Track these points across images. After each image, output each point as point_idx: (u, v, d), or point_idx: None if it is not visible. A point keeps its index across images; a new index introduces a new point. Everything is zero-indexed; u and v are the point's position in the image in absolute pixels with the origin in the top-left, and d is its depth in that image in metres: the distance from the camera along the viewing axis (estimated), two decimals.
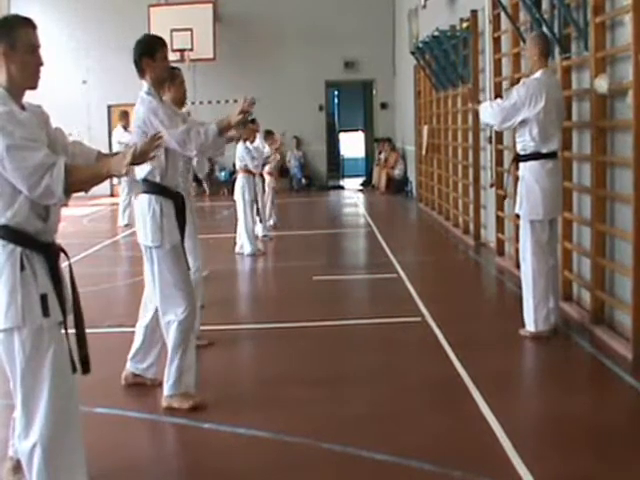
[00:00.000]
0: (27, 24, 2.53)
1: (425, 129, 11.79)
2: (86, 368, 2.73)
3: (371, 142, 17.73)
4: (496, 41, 7.50)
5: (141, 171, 3.72)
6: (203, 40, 14.53)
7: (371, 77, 16.73)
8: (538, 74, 4.71)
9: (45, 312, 2.52)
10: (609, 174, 4.89)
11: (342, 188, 16.97)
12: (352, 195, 15.51)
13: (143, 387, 4.05)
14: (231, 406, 3.92)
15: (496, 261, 7.38)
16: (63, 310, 2.61)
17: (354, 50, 16.10)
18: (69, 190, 2.45)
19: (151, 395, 3.93)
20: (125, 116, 10.88)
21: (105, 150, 3.36)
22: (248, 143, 8.48)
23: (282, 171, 14.41)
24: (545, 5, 5.78)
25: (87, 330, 5.41)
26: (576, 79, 5.44)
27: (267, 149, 9.30)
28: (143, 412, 3.76)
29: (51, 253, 2.62)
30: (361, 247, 9.42)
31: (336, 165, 19.01)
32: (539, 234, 4.76)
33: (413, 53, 11.45)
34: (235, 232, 8.51)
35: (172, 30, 14.30)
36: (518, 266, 5.42)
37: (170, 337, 3.75)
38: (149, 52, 3.67)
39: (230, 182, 11.88)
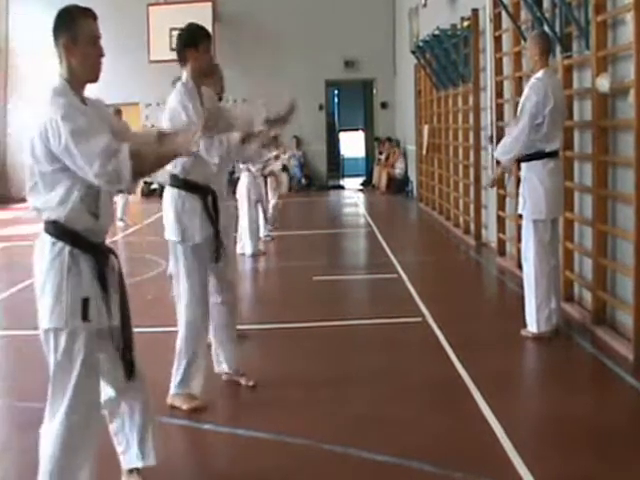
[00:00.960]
0: (88, 15, 2.49)
1: (426, 128, 11.77)
2: (129, 374, 2.66)
3: (371, 142, 17.71)
4: (497, 40, 7.48)
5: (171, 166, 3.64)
6: None
7: (371, 76, 16.71)
8: (540, 74, 4.69)
9: (85, 316, 2.46)
10: (610, 174, 4.87)
11: (342, 188, 16.95)
12: (352, 195, 15.50)
13: None
14: (230, 407, 3.92)
15: (497, 261, 7.36)
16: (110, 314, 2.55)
17: (354, 49, 16.08)
18: (137, 174, 2.38)
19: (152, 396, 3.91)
20: (118, 114, 10.97)
21: None
22: None
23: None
24: (546, 4, 5.76)
25: None
26: (577, 78, 5.43)
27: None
28: None
29: (100, 254, 2.54)
30: (361, 247, 9.41)
31: (336, 165, 18.98)
32: (542, 234, 4.75)
33: (414, 52, 11.43)
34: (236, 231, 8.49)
35: (171, 29, 14.26)
36: (519, 266, 5.41)
37: (180, 336, 3.73)
38: (193, 42, 3.66)
39: (230, 182, 11.62)
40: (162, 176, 3.79)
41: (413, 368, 4.41)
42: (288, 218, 11.50)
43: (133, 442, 2.78)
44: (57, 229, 2.47)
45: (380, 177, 15.54)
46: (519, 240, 5.46)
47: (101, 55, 2.52)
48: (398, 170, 15.14)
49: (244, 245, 8.29)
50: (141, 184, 11.42)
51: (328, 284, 6.75)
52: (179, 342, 3.74)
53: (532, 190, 4.72)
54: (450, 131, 10.11)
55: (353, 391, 4.02)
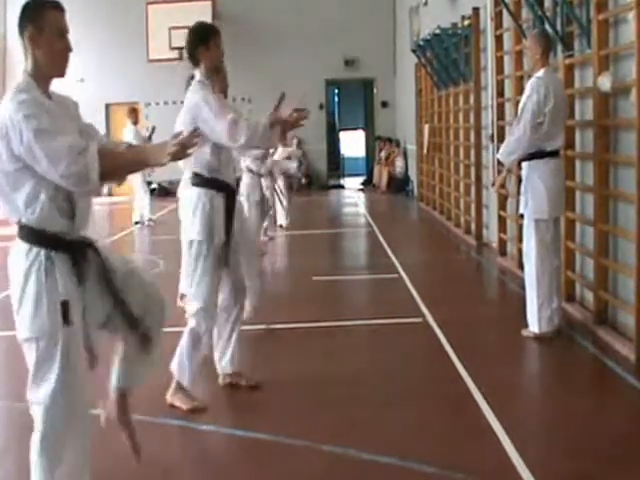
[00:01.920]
0: (56, 7, 2.39)
1: (426, 128, 11.75)
2: (144, 346, 2.63)
3: (372, 141, 17.68)
4: (498, 39, 7.46)
5: (190, 164, 3.64)
6: None
7: (372, 75, 16.69)
8: (540, 73, 4.67)
9: (65, 320, 2.39)
10: (612, 173, 4.86)
11: (342, 187, 16.93)
12: (352, 194, 15.48)
13: (142, 389, 4.00)
14: (231, 408, 3.90)
15: (498, 261, 7.33)
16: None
17: (354, 48, 16.05)
18: (105, 176, 2.27)
19: (150, 397, 3.89)
20: (134, 112, 11.14)
21: None
22: None
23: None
24: (547, 2, 5.74)
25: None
26: (579, 77, 5.41)
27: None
28: (143, 414, 3.72)
29: (76, 251, 2.43)
30: (361, 247, 9.39)
31: (336, 164, 18.96)
32: (544, 234, 4.73)
33: (414, 51, 11.41)
34: None
35: (170, 28, 14.26)
36: (520, 266, 5.39)
37: (185, 334, 3.71)
38: (204, 41, 3.65)
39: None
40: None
41: (413, 369, 4.39)
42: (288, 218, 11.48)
43: None
44: (30, 233, 2.36)
45: (380, 176, 15.52)
46: (520, 240, 5.44)
47: (68, 49, 2.41)
48: (398, 169, 15.11)
49: None
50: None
51: (328, 284, 6.73)
52: (184, 342, 3.71)
53: (534, 189, 4.70)
54: (451, 130, 10.09)
55: (353, 392, 3.99)
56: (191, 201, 3.68)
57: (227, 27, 15.71)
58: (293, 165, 9.57)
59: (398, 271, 7.01)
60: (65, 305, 2.39)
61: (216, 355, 4.01)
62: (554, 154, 4.72)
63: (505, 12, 6.89)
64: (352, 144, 20.12)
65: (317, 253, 8.56)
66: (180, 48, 14.49)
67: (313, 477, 3.07)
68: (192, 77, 3.78)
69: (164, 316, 2.71)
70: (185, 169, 3.81)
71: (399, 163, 15.16)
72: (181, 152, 2.31)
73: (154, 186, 14.91)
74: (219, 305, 3.83)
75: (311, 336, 5.09)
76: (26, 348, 2.49)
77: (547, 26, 5.55)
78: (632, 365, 4.17)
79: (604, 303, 4.89)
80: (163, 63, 14.71)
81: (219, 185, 3.68)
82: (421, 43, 10.80)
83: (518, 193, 5.02)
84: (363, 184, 16.66)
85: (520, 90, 6.06)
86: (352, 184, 17.07)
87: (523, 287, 4.95)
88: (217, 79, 3.97)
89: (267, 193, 8.47)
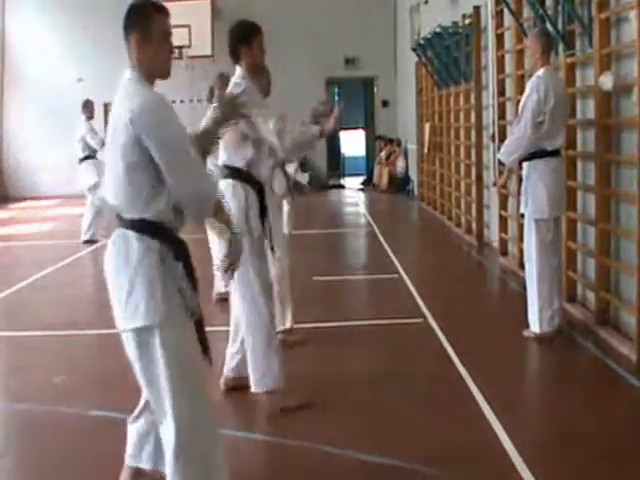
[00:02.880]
0: (162, 11, 2.46)
1: (427, 127, 11.72)
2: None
3: (372, 140, 17.64)
4: (499, 37, 7.44)
5: (227, 158, 3.63)
6: (201, 37, 14.43)
7: (372, 74, 16.65)
8: (540, 72, 4.66)
9: (187, 309, 2.42)
10: (614, 172, 4.84)
11: (343, 187, 16.87)
12: (353, 194, 15.45)
13: (139, 390, 3.99)
14: (230, 409, 3.87)
15: (499, 261, 7.31)
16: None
17: (355, 47, 16.01)
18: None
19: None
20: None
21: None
22: None
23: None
24: (549, 1, 5.71)
25: (84, 332, 5.35)
26: (580, 76, 5.39)
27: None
28: None
29: (183, 249, 2.49)
30: (362, 247, 9.36)
31: (336, 164, 18.91)
32: (544, 233, 4.71)
33: (415, 50, 11.38)
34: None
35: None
36: (522, 266, 5.37)
37: (254, 331, 3.64)
38: (246, 39, 3.65)
39: None
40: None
41: (414, 369, 4.36)
42: None
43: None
44: (146, 226, 2.40)
45: (381, 176, 15.47)
46: (521, 240, 5.42)
47: (172, 52, 2.50)
48: (399, 169, 15.07)
49: None
50: None
51: (328, 284, 6.70)
52: (250, 341, 3.66)
53: (534, 189, 4.68)
54: (451, 130, 10.06)
55: (353, 392, 3.98)
56: (227, 195, 3.60)
57: (226, 26, 15.67)
58: (305, 177, 9.36)
59: (398, 271, 6.98)
60: (182, 292, 2.42)
61: (229, 354, 3.97)
62: (554, 153, 4.70)
63: (506, 11, 6.87)
64: (352, 143, 20.06)
65: (317, 253, 8.52)
66: (179, 47, 14.47)
67: (312, 478, 3.05)
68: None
69: None
70: (220, 162, 3.76)
71: (400, 163, 15.12)
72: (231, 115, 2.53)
73: None
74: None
75: (311, 336, 5.06)
76: (141, 340, 2.44)
77: (548, 25, 5.52)
78: (634, 365, 4.16)
79: (605, 303, 4.88)
80: None
81: (254, 180, 3.65)
82: (422, 42, 10.77)
83: (519, 193, 4.99)
84: (363, 184, 16.61)
85: (521, 89, 6.03)
86: (352, 184, 17.03)
87: (524, 287, 4.93)
88: (259, 78, 3.97)
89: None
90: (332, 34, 15.75)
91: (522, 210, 4.84)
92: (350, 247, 9.36)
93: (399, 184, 14.78)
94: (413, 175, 14.14)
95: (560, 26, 5.45)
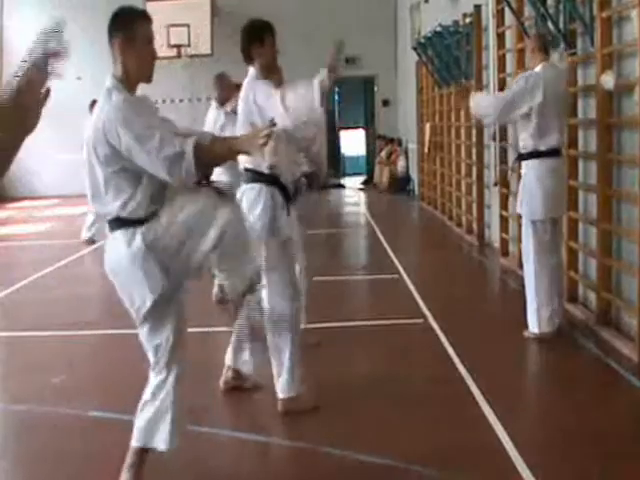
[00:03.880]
0: (145, 17, 2.61)
1: (427, 126, 11.69)
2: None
3: (372, 140, 17.61)
4: (500, 37, 7.41)
5: (249, 160, 3.58)
6: (200, 35, 14.41)
7: (372, 73, 16.62)
8: (538, 68, 4.65)
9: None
10: (615, 172, 4.82)
11: (343, 187, 16.83)
12: (353, 194, 15.43)
13: (139, 391, 3.97)
14: (230, 410, 3.85)
15: (500, 261, 7.29)
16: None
17: (355, 45, 15.93)
18: (202, 166, 2.50)
19: None
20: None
21: None
22: None
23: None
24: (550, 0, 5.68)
25: (82, 332, 5.31)
26: (582, 75, 5.36)
27: None
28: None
29: (159, 224, 2.63)
30: (362, 247, 9.34)
31: (336, 163, 18.88)
32: (541, 234, 4.69)
33: (415, 49, 11.36)
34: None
35: (169, 25, 14.16)
36: (522, 266, 5.34)
37: (280, 335, 3.62)
38: (258, 38, 3.61)
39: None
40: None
41: (414, 370, 4.35)
42: None
43: None
44: (127, 222, 2.58)
45: (381, 176, 15.44)
46: (521, 240, 5.39)
47: (154, 56, 2.63)
48: (399, 169, 15.05)
49: None
50: None
51: (328, 284, 6.66)
52: (279, 350, 3.63)
53: (529, 190, 4.67)
54: (452, 129, 10.03)
55: (353, 393, 3.96)
56: (252, 198, 3.58)
57: (226, 24, 15.67)
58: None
59: (399, 271, 6.96)
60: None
61: (231, 353, 3.94)
62: (551, 153, 4.66)
63: (507, 10, 6.84)
64: (352, 143, 20.04)
65: (317, 253, 8.47)
66: (179, 46, 14.44)
67: (312, 478, 3.04)
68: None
69: None
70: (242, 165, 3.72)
71: (400, 162, 15.09)
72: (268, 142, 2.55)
73: None
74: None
75: (310, 337, 5.03)
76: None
77: (549, 24, 5.50)
78: (635, 366, 4.14)
79: (607, 304, 4.85)
80: (161, 61, 14.66)
81: (279, 183, 3.61)
82: (422, 41, 10.74)
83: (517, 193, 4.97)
84: (363, 183, 16.59)
85: None
86: (352, 183, 17.00)
87: (524, 287, 4.90)
88: (272, 77, 3.91)
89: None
90: (332, 33, 15.68)
91: (518, 210, 4.82)
92: (350, 247, 9.34)
93: (399, 184, 14.74)
94: (414, 175, 14.11)
95: (561, 25, 5.43)
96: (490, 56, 7.85)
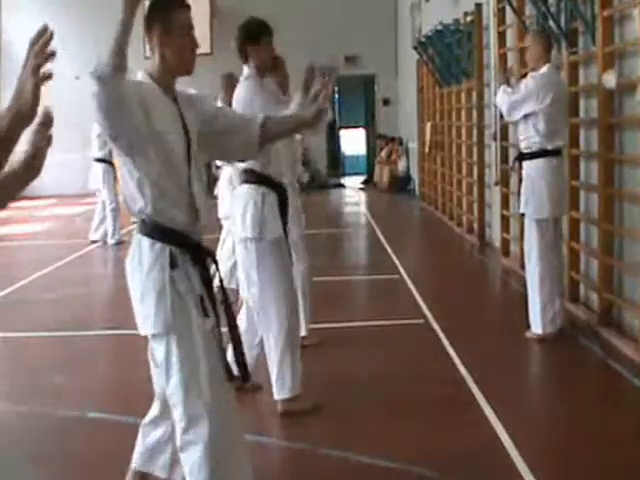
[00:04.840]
0: (183, 4, 2.43)
1: (428, 126, 11.67)
2: (245, 376, 2.58)
3: (373, 139, 17.59)
4: (501, 35, 7.38)
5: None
6: (200, 34, 14.34)
7: (373, 72, 16.59)
8: (544, 69, 4.64)
9: (205, 313, 2.37)
10: (617, 172, 4.80)
11: (343, 186, 16.81)
12: (353, 194, 15.41)
13: (138, 393, 3.95)
14: None
15: (501, 261, 7.26)
16: (215, 314, 2.46)
17: (355, 44, 15.94)
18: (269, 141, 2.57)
19: (144, 400, 3.83)
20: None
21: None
22: None
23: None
24: None
25: (81, 333, 5.32)
26: (583, 74, 5.34)
27: None
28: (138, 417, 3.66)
29: (201, 254, 2.44)
30: (362, 247, 9.32)
31: (336, 163, 18.86)
32: (545, 233, 4.69)
33: (416, 48, 11.33)
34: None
35: None
36: (524, 266, 5.33)
37: (278, 338, 3.58)
38: (254, 37, 3.58)
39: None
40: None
41: (415, 371, 4.32)
42: None
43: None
44: (155, 229, 2.38)
45: (382, 175, 15.42)
46: (523, 240, 5.37)
47: (195, 46, 2.46)
48: (400, 168, 15.02)
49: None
50: None
51: (328, 285, 6.64)
52: (275, 351, 3.59)
53: (535, 189, 4.66)
54: (453, 128, 10.01)
55: (352, 394, 3.93)
56: (242, 198, 3.58)
57: (225, 23, 15.65)
58: (305, 176, 8.98)
59: (399, 271, 6.93)
60: (202, 299, 2.39)
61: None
62: (556, 153, 4.67)
63: (508, 8, 6.81)
64: (353, 142, 20.02)
65: (317, 253, 8.45)
66: None
67: None
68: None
69: None
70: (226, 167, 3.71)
71: (401, 162, 15.07)
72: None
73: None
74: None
75: (310, 338, 5.01)
76: (157, 346, 2.41)
77: (551, 22, 5.48)
78: (637, 366, 4.12)
79: (609, 304, 4.83)
80: None
81: (270, 181, 3.59)
82: (423, 40, 10.72)
83: (518, 192, 4.94)
84: (364, 183, 16.56)
85: None
86: (352, 183, 16.98)
87: (526, 287, 4.88)
88: (275, 75, 3.97)
89: None
90: (332, 31, 15.69)
91: (521, 210, 4.81)
92: (350, 247, 9.32)
93: (400, 183, 14.72)
94: (414, 174, 14.09)
95: (563, 24, 5.40)
96: (491, 55, 7.81)
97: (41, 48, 1.44)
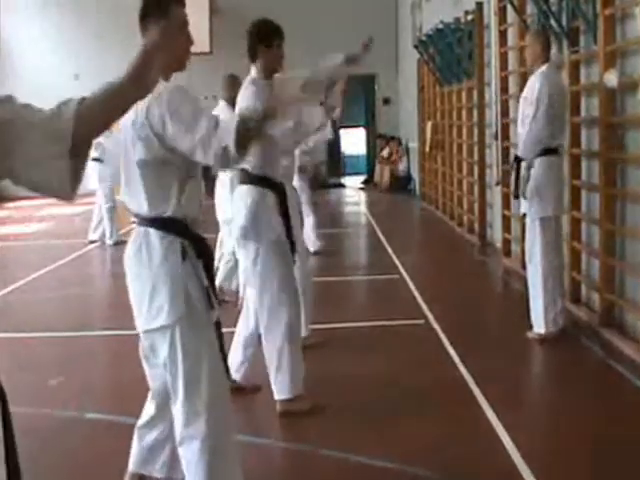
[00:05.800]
0: (179, 1, 2.41)
1: (429, 125, 11.65)
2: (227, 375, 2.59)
3: (373, 139, 17.56)
4: (502, 34, 7.36)
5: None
6: (199, 33, 14.35)
7: (373, 71, 16.55)
8: (544, 68, 4.63)
9: (211, 305, 2.40)
10: (619, 171, 4.79)
11: (343, 186, 16.79)
12: (353, 193, 15.40)
13: (136, 393, 3.93)
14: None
15: (502, 261, 7.24)
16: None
17: (355, 43, 15.91)
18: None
19: (143, 400, 3.80)
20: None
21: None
22: None
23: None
24: None
25: (80, 333, 5.31)
26: (585, 74, 5.32)
27: None
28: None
29: (205, 247, 2.47)
30: (362, 247, 9.31)
31: (337, 162, 18.82)
32: (548, 232, 4.69)
33: (416, 47, 11.31)
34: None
35: None
36: (525, 267, 5.30)
37: (277, 339, 3.57)
38: (266, 39, 3.58)
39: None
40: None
41: (415, 372, 4.30)
42: None
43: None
44: (166, 224, 2.38)
45: (382, 175, 15.40)
46: (524, 240, 5.35)
47: (190, 42, 2.45)
48: (400, 168, 15.01)
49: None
50: None
51: (328, 285, 6.62)
52: (275, 351, 3.58)
53: (539, 187, 4.64)
54: (454, 128, 9.98)
55: (352, 394, 3.92)
56: (240, 199, 3.57)
57: (225, 21, 15.65)
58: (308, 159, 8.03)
59: (400, 271, 6.91)
60: (208, 291, 2.40)
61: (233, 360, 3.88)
62: (556, 151, 4.68)
63: (509, 7, 6.79)
64: (353, 142, 19.99)
65: (317, 253, 8.45)
66: None
67: None
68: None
69: None
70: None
71: (401, 161, 15.05)
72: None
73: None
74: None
75: (310, 338, 4.99)
76: (163, 337, 2.40)
77: (552, 21, 5.46)
78: (639, 367, 4.11)
79: (610, 304, 4.82)
80: None
81: (266, 182, 3.56)
82: (423, 39, 10.71)
83: (516, 195, 4.89)
84: (364, 183, 16.54)
85: (524, 87, 5.95)
86: (353, 183, 16.96)
87: (527, 288, 4.86)
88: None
89: None
90: (332, 30, 15.66)
91: (523, 210, 4.78)
92: (350, 247, 9.30)
93: (400, 183, 14.70)
94: (415, 174, 14.07)
95: (564, 22, 5.39)
96: (492, 54, 7.80)
97: None
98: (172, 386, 2.42)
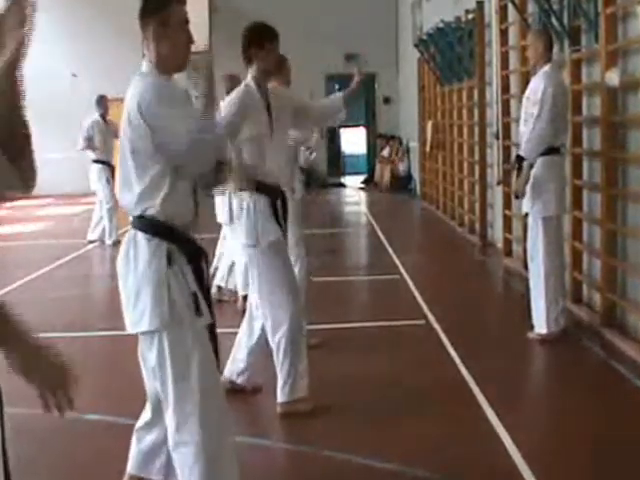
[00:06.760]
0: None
1: (429, 125, 11.63)
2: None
3: (373, 138, 17.55)
4: (503, 33, 7.35)
5: None
6: (199, 31, 14.34)
7: (373, 70, 16.51)
8: (547, 68, 4.62)
9: (197, 311, 2.35)
10: (620, 171, 4.78)
11: (343, 186, 16.77)
12: (353, 193, 15.39)
13: (135, 394, 3.91)
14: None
15: (503, 261, 7.22)
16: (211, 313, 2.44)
17: (355, 42, 15.90)
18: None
19: (142, 401, 3.79)
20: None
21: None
22: None
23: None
24: None
25: (78, 334, 5.30)
26: (586, 73, 5.31)
27: None
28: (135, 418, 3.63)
29: (196, 251, 2.43)
30: (363, 247, 9.30)
31: (337, 162, 18.81)
32: (550, 232, 4.68)
33: (417, 46, 11.30)
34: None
35: None
36: (526, 267, 5.29)
37: (281, 341, 3.56)
38: (260, 42, 3.57)
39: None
40: None
41: (416, 372, 4.29)
42: None
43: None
44: (152, 225, 2.36)
45: (382, 175, 15.38)
46: (525, 239, 5.34)
47: (191, 41, 2.43)
48: (401, 167, 14.99)
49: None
50: None
51: (328, 285, 6.61)
52: (278, 353, 3.57)
53: (542, 187, 4.64)
54: (454, 127, 9.97)
55: (353, 396, 3.91)
56: (237, 205, 3.57)
57: (224, 20, 15.61)
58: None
59: (400, 272, 6.90)
60: (195, 296, 2.37)
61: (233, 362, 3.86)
62: (558, 151, 4.67)
63: (510, 6, 6.78)
64: (353, 141, 19.97)
65: (317, 253, 8.42)
66: None
67: None
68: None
69: None
70: None
71: (402, 161, 15.04)
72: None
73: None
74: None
75: (311, 339, 4.97)
76: (151, 343, 2.39)
77: (553, 20, 5.45)
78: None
79: (612, 304, 4.81)
80: None
81: (262, 186, 3.54)
82: (424, 37, 10.69)
83: (518, 191, 4.88)
84: (364, 182, 16.52)
85: (525, 86, 5.93)
86: (353, 182, 16.95)
87: (528, 288, 4.85)
88: (279, 76, 3.99)
89: None
90: (332, 29, 15.64)
91: (525, 209, 4.77)
92: (350, 247, 9.29)
93: (401, 183, 14.69)
94: (415, 174, 14.06)
95: (565, 21, 5.37)
96: (493, 53, 7.79)
97: None
98: (162, 392, 2.40)
